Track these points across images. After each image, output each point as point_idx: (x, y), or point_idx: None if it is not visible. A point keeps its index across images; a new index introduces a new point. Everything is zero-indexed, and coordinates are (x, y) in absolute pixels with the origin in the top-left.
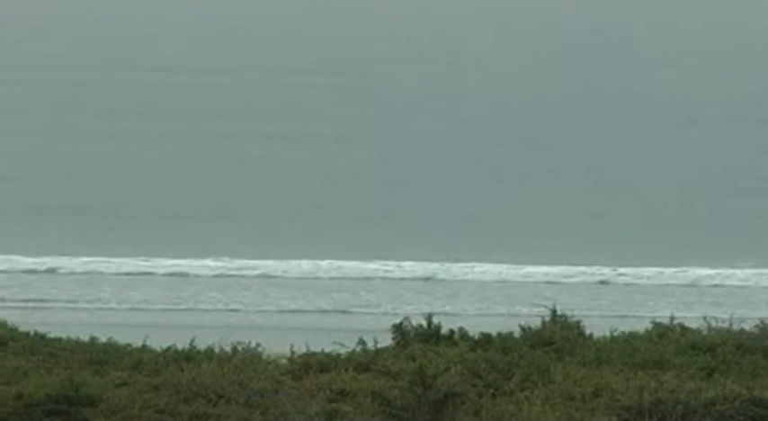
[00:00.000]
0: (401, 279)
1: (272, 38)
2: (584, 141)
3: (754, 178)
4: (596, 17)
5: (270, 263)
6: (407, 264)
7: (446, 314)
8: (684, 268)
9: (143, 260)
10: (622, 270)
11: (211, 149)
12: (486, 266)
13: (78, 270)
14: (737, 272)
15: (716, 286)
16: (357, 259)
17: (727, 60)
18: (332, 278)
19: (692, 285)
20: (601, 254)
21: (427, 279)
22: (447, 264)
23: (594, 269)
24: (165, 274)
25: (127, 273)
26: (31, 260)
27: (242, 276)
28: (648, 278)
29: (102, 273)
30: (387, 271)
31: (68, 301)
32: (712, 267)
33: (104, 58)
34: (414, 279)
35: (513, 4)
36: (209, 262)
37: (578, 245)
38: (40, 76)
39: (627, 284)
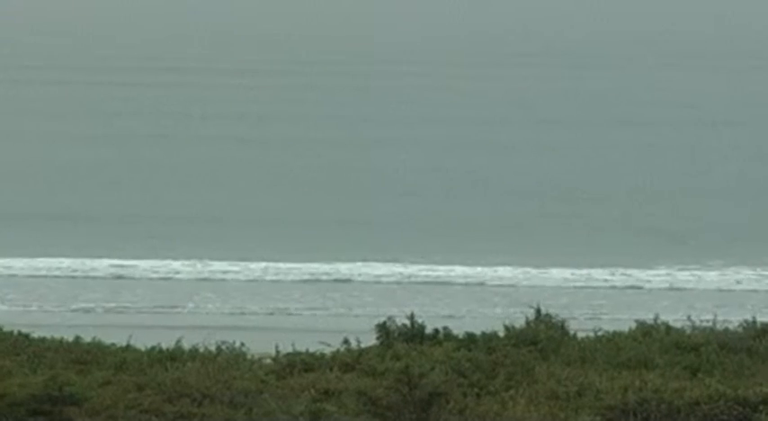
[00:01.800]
0: (384, 280)
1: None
2: (576, 144)
3: (723, 180)
4: (571, 21)
5: (254, 264)
6: (391, 265)
7: (431, 315)
8: (667, 269)
9: (128, 262)
10: (606, 271)
11: (196, 152)
12: (470, 269)
13: (65, 271)
14: (720, 272)
15: (696, 288)
16: (341, 260)
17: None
18: (316, 279)
19: (674, 286)
20: (587, 256)
21: (411, 281)
22: (430, 266)
23: (578, 271)
24: (150, 276)
25: (112, 275)
26: (20, 262)
27: (227, 278)
28: (635, 279)
29: (88, 274)
30: (371, 272)
31: (54, 302)
32: (694, 268)
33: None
34: (397, 281)
35: (490, 8)
36: (195, 264)
37: (563, 247)
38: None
39: (612, 286)
